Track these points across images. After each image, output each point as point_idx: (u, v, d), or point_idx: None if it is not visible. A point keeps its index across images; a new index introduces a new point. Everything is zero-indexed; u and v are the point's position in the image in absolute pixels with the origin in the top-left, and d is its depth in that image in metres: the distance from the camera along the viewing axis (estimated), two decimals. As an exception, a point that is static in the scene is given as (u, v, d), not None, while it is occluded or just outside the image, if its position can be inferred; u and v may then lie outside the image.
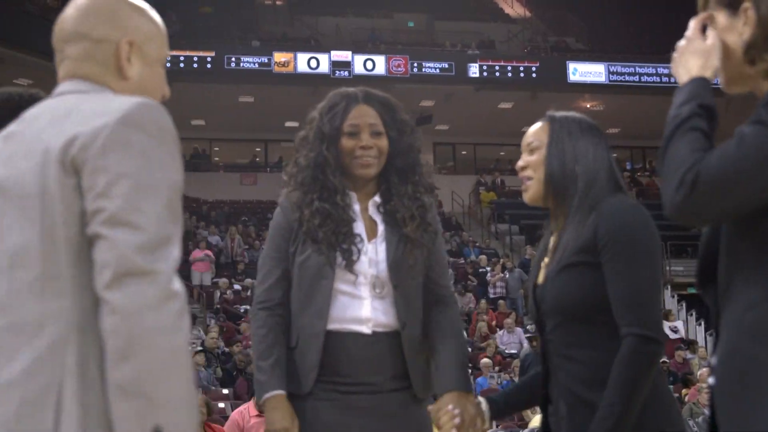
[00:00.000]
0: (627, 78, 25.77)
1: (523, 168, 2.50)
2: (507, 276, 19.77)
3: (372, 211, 2.77)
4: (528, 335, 15.35)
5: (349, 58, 24.80)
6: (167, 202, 1.55)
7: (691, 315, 19.59)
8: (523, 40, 30.03)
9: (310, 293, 2.66)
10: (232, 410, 9.41)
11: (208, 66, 24.20)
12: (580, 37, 31.10)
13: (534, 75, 25.47)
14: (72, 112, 1.60)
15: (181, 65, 24.00)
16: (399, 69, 24.94)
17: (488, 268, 20.53)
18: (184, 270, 19.76)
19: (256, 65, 24.42)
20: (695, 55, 1.76)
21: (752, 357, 1.61)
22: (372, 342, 2.65)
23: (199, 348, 13.65)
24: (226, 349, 14.37)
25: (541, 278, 2.46)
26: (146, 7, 1.83)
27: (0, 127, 1.73)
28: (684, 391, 12.85)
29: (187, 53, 24.17)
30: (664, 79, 25.22)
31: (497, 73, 25.39)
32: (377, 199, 2.78)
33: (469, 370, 14.05)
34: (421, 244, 2.73)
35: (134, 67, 1.76)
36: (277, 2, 32.61)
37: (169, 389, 1.47)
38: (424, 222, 2.75)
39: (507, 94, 25.78)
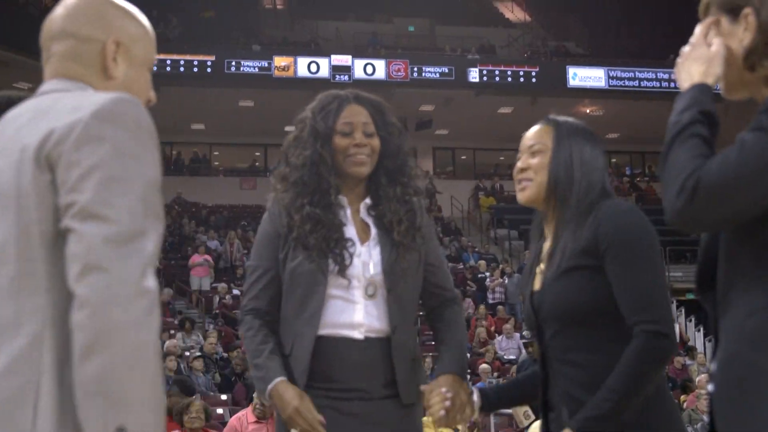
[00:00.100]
0: (627, 83, 25.81)
1: (524, 170, 2.49)
2: (506, 281, 19.77)
3: (363, 213, 2.77)
4: (524, 341, 15.35)
5: (350, 63, 24.84)
6: (141, 196, 1.52)
7: (690, 321, 19.60)
8: (523, 45, 30.07)
9: (304, 300, 2.64)
10: (231, 416, 9.40)
11: (209, 70, 24.24)
12: (580, 41, 31.14)
13: (534, 80, 25.51)
14: (50, 109, 1.60)
15: (182, 69, 24.05)
16: (399, 73, 24.97)
17: (487, 274, 20.53)
18: (183, 275, 19.78)
19: (257, 69, 24.46)
20: (698, 62, 1.76)
21: (751, 363, 1.60)
22: (364, 347, 2.64)
23: (198, 353, 13.63)
24: (225, 355, 14.36)
25: (537, 284, 2.45)
26: (135, 10, 1.83)
27: None
28: (683, 397, 12.84)
29: (188, 57, 24.22)
30: (664, 84, 25.26)
31: (497, 78, 25.43)
32: (368, 201, 2.77)
33: (468, 376, 14.03)
34: (412, 248, 2.73)
35: (120, 67, 1.75)
36: (278, 6, 32.67)
37: (135, 388, 1.44)
38: (412, 226, 2.75)
39: (507, 98, 25.82)
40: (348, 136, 2.71)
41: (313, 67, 24.52)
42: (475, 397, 2.62)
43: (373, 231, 2.74)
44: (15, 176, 1.55)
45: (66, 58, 1.73)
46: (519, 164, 2.51)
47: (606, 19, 32.03)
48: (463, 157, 30.87)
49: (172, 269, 20.37)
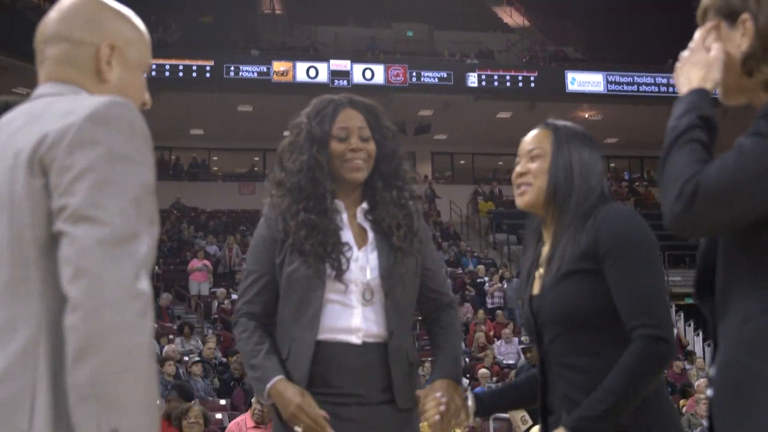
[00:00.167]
0: (625, 87, 25.84)
1: (523, 174, 2.49)
2: (505, 286, 19.76)
3: (360, 218, 2.76)
4: (522, 346, 15.34)
5: (348, 68, 24.86)
6: (134, 199, 1.51)
7: (689, 325, 19.60)
8: (522, 50, 30.10)
9: (301, 305, 2.64)
10: (230, 421, 9.39)
11: (207, 75, 24.25)
12: (579, 46, 31.19)
13: (532, 84, 25.54)
14: (44, 113, 1.59)
15: (180, 74, 24.07)
16: (398, 78, 24.99)
17: (486, 278, 20.53)
18: (182, 280, 19.77)
19: (255, 74, 24.47)
20: (697, 66, 1.76)
21: (749, 369, 1.60)
22: (362, 352, 2.63)
23: (197, 358, 13.62)
24: (224, 360, 14.34)
25: (536, 289, 2.45)
26: (130, 13, 1.81)
27: None
28: (682, 402, 12.83)
29: (186, 62, 24.23)
30: (662, 88, 25.30)
31: (496, 83, 25.45)
32: (365, 206, 2.77)
33: (467, 380, 13.95)
34: (411, 253, 2.73)
35: (114, 70, 1.74)
36: (277, 12, 32.71)
37: (128, 391, 1.43)
38: (410, 230, 2.74)
39: (505, 103, 25.85)
40: (344, 141, 2.70)
41: (312, 72, 24.53)
42: (470, 401, 2.62)
43: (371, 235, 2.73)
44: (8, 181, 1.55)
45: (60, 62, 1.72)
46: (518, 169, 2.50)
47: (604, 24, 32.07)
48: (462, 162, 30.87)
49: (170, 274, 20.37)
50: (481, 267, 21.48)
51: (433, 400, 2.59)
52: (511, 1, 34.48)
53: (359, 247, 2.71)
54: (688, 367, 16.08)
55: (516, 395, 2.67)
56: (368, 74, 24.89)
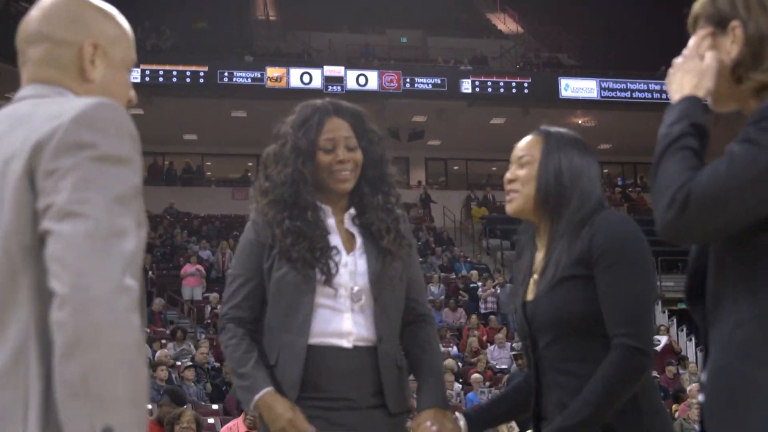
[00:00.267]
0: (619, 94, 25.90)
1: (512, 181, 2.50)
2: (498, 291, 19.76)
3: (348, 223, 2.75)
4: (513, 353, 15.33)
5: (342, 74, 24.87)
6: (120, 197, 1.49)
7: (682, 330, 19.61)
8: (516, 56, 30.14)
9: (290, 310, 2.63)
10: (222, 426, 9.38)
11: (201, 81, 24.24)
12: (572, 53, 31.24)
13: (526, 91, 25.57)
14: (31, 117, 1.57)
15: (174, 80, 24.06)
16: (392, 84, 25.01)
17: (479, 283, 20.53)
18: (175, 284, 19.73)
19: (249, 80, 24.46)
20: (690, 74, 1.77)
21: (741, 374, 1.61)
22: (353, 356, 2.63)
23: (189, 363, 13.59)
24: (217, 364, 14.31)
25: (530, 295, 2.45)
26: (113, 10, 1.79)
27: None
28: (674, 406, 12.84)
29: (180, 68, 24.22)
30: (656, 95, 25.35)
31: (489, 89, 25.48)
32: (352, 211, 2.76)
33: (460, 386, 13.91)
34: (399, 257, 2.72)
35: (98, 69, 1.72)
36: (271, 18, 32.71)
37: (120, 387, 1.42)
38: (399, 234, 2.74)
39: (499, 109, 25.87)
40: (331, 152, 2.68)
41: (306, 78, 24.53)
42: (461, 422, 2.61)
43: (359, 240, 2.73)
44: None
45: (42, 63, 1.70)
46: (507, 175, 2.51)
47: (598, 30, 32.14)
48: (456, 168, 30.89)
49: (163, 279, 20.32)
50: (474, 272, 21.48)
51: (425, 429, 2.58)
52: (505, 8, 34.52)
53: (348, 251, 2.70)
54: (680, 371, 16.09)
55: (505, 407, 2.68)
56: (362, 80, 24.91)
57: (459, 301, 19.65)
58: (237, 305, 2.70)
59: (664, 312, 20.31)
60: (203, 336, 16.53)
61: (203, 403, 12.54)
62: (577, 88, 25.81)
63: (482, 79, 25.58)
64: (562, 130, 2.53)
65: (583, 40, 31.55)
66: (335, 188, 2.71)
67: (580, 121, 26.49)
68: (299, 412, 2.55)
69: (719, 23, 1.77)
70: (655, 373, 14.80)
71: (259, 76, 24.49)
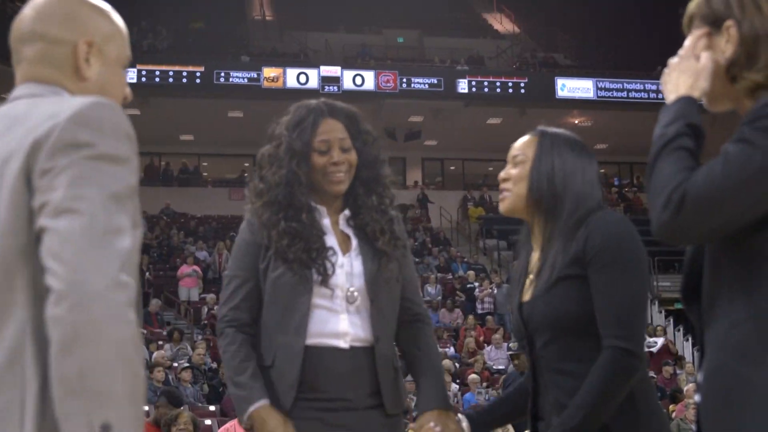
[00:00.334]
0: (615, 94, 25.92)
1: (505, 180, 2.50)
2: (495, 291, 19.77)
3: (343, 224, 2.75)
4: (510, 353, 15.34)
5: (339, 74, 24.87)
6: (115, 195, 1.48)
7: (679, 330, 19.64)
8: (512, 56, 30.16)
9: (287, 311, 2.62)
10: (219, 427, 9.37)
11: (198, 81, 24.23)
12: (569, 53, 31.27)
13: (522, 91, 25.59)
14: (26, 117, 1.56)
15: (171, 80, 24.05)
16: (388, 84, 25.02)
17: (476, 284, 20.54)
18: (172, 285, 19.72)
19: (246, 80, 24.46)
20: (686, 74, 1.77)
21: (737, 374, 1.61)
22: (349, 357, 2.62)
23: (186, 364, 13.58)
24: (214, 365, 14.30)
25: (527, 296, 2.45)
26: (107, 7, 1.78)
27: None
28: (671, 406, 12.86)
29: (177, 68, 24.22)
30: (652, 95, 25.38)
31: (486, 89, 25.50)
32: (347, 212, 2.76)
33: (457, 386, 13.91)
34: (394, 258, 2.72)
35: (93, 68, 1.71)
36: (267, 18, 32.69)
37: (118, 383, 1.41)
38: (394, 235, 2.74)
39: (496, 109, 25.89)
40: (325, 154, 2.68)
41: (303, 78, 24.53)
42: (464, 424, 2.61)
43: (354, 241, 2.73)
44: None
45: (37, 62, 1.69)
46: (501, 174, 2.52)
47: (594, 30, 32.17)
48: (452, 168, 30.90)
49: (160, 280, 20.30)
50: (471, 272, 21.49)
51: (428, 430, 2.58)
52: (501, 8, 34.55)
53: (343, 252, 2.70)
54: (678, 372, 16.11)
55: (507, 409, 2.67)
56: (359, 80, 24.91)
57: (456, 302, 19.66)
58: (236, 306, 2.68)
59: (660, 312, 20.34)
60: (200, 337, 16.51)
61: (200, 405, 12.52)
62: (573, 88, 25.83)
63: (479, 79, 25.60)
64: (560, 130, 2.53)
65: (579, 40, 31.58)
66: (329, 190, 2.70)
67: (576, 121, 26.52)
68: (291, 427, 2.54)
69: (714, 23, 1.77)
70: (652, 374, 14.83)
71: (255, 76, 24.48)
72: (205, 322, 17.61)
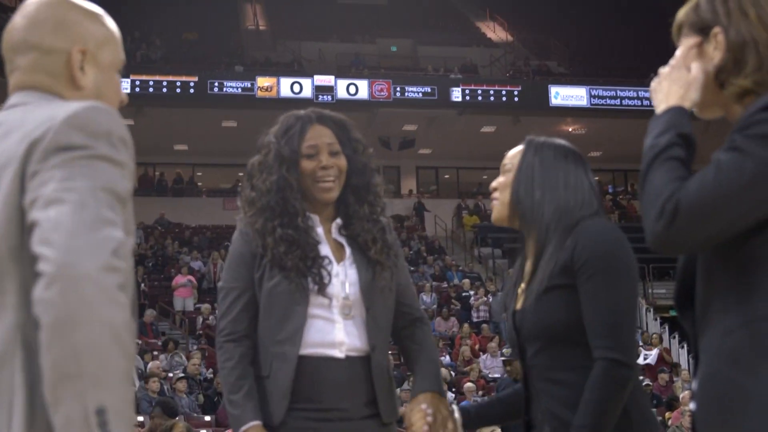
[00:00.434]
0: (608, 101, 25.98)
1: (494, 189, 2.52)
2: (490, 300, 19.77)
3: (335, 233, 2.75)
4: (503, 359, 15.33)
5: (332, 83, 24.90)
6: (107, 189, 1.46)
7: (674, 338, 19.64)
8: (505, 65, 30.22)
9: (283, 320, 2.61)
10: (215, 437, 9.35)
11: (191, 91, 24.24)
12: (562, 61, 31.34)
13: (516, 99, 25.64)
14: (22, 123, 1.55)
15: (164, 90, 24.05)
16: (382, 93, 25.05)
17: (471, 292, 20.54)
18: (166, 296, 19.69)
19: (239, 90, 24.47)
20: (676, 84, 1.77)
21: (731, 381, 1.61)
22: (345, 366, 2.62)
23: (181, 374, 13.55)
24: (209, 376, 14.28)
25: (519, 304, 2.46)
26: (99, 11, 1.76)
27: None
28: (667, 414, 12.86)
29: (170, 78, 24.23)
30: (646, 102, 25.43)
31: (480, 97, 25.54)
32: (339, 221, 2.76)
33: (453, 395, 13.90)
34: (388, 267, 2.72)
35: (88, 75, 1.69)
36: (261, 27, 32.73)
37: (111, 367, 1.38)
38: (386, 244, 2.74)
39: (489, 117, 25.93)
40: (313, 158, 2.68)
41: (296, 88, 24.55)
42: (457, 414, 2.62)
43: (347, 250, 2.73)
44: None
45: (31, 71, 1.67)
46: (492, 183, 2.54)
47: (587, 38, 32.26)
48: (447, 176, 30.93)
49: (155, 290, 20.28)
50: (466, 281, 21.49)
51: (420, 412, 2.58)
52: (494, 17, 34.62)
53: (338, 261, 2.70)
54: (674, 379, 16.11)
55: (503, 408, 2.68)
56: (352, 89, 24.94)
57: (451, 310, 19.66)
58: (234, 319, 2.67)
59: (656, 320, 20.35)
60: (195, 347, 16.49)
61: (195, 415, 12.51)
62: (567, 95, 25.89)
63: (472, 87, 25.65)
64: (548, 139, 2.52)
65: (572, 48, 31.66)
66: (320, 197, 2.70)
67: (570, 129, 26.57)
68: None
69: (702, 30, 1.79)
70: (647, 381, 14.84)
71: (249, 85, 24.50)
72: (200, 332, 17.58)
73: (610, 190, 30.49)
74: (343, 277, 2.68)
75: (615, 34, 31.90)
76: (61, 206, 1.42)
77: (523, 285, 2.47)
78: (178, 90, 24.16)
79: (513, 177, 2.46)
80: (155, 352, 15.35)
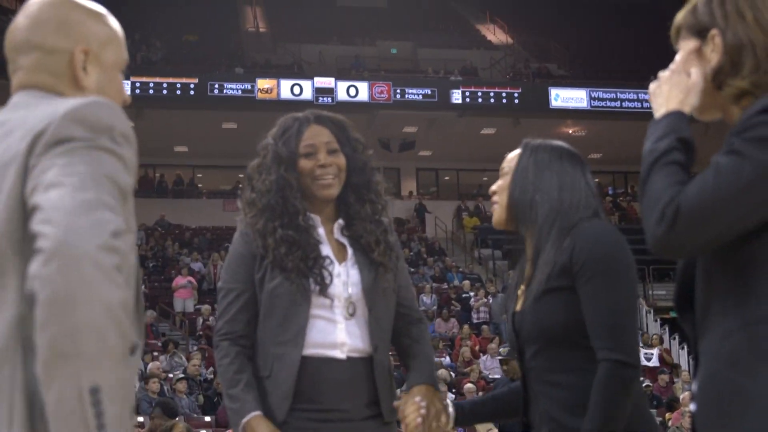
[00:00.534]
0: (608, 103, 25.98)
1: (494, 192, 2.53)
2: (490, 301, 19.77)
3: (337, 234, 2.75)
4: (500, 358, 15.33)
5: (333, 85, 24.91)
6: (108, 176, 1.45)
7: (674, 339, 19.64)
8: (506, 67, 30.22)
9: (285, 321, 2.62)
10: (215, 438, 9.36)
11: (192, 93, 24.24)
12: (562, 63, 31.34)
13: (516, 101, 25.64)
14: (24, 121, 1.55)
15: (165, 92, 24.05)
16: (382, 95, 25.05)
17: (471, 293, 20.54)
18: (167, 297, 19.70)
19: (240, 92, 24.48)
20: (676, 89, 1.78)
21: (731, 382, 1.62)
22: (346, 367, 2.62)
23: (181, 375, 13.55)
24: (209, 376, 14.28)
25: (519, 306, 2.46)
26: (101, 10, 1.75)
27: None
28: (668, 415, 12.86)
29: (171, 80, 24.22)
30: (646, 104, 25.39)
31: (480, 99, 25.54)
32: (341, 222, 2.76)
33: (453, 396, 13.90)
34: (390, 268, 2.73)
35: (91, 76, 1.69)
36: (261, 29, 32.73)
37: (108, 345, 1.36)
38: (389, 246, 2.75)
39: (489, 119, 25.93)
40: (312, 157, 2.69)
41: (297, 90, 24.56)
42: (450, 409, 2.62)
43: (349, 251, 2.73)
44: None
45: (34, 70, 1.67)
46: (492, 186, 2.54)
47: (587, 40, 32.26)
48: (447, 178, 30.93)
49: (155, 291, 20.29)
50: (466, 282, 21.49)
51: (413, 404, 2.59)
52: (495, 19, 34.63)
53: (339, 262, 2.70)
54: (674, 380, 16.11)
55: (497, 406, 2.69)
56: (353, 91, 24.95)
57: (451, 311, 19.66)
58: (231, 320, 2.67)
59: (656, 321, 20.35)
60: (195, 348, 16.49)
61: (195, 416, 12.51)
62: (567, 98, 25.89)
63: (472, 89, 25.65)
64: (545, 141, 2.52)
65: (572, 50, 31.66)
66: (320, 195, 2.70)
67: (570, 131, 26.57)
68: None
69: (700, 33, 1.80)
70: (647, 382, 14.84)
71: (249, 87, 24.51)
72: (200, 333, 17.59)
73: (611, 192, 30.48)
74: (345, 278, 2.68)
75: (615, 36, 31.90)
76: (61, 189, 1.41)
77: (522, 287, 2.47)
78: (179, 92, 24.17)
79: (511, 178, 2.47)
80: (155, 353, 15.35)
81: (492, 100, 25.61)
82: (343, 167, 2.72)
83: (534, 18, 33.15)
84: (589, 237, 2.32)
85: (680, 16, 1.86)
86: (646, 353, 17.15)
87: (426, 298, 19.78)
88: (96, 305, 1.36)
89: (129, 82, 22.94)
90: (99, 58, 1.71)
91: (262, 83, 24.57)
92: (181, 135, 26.09)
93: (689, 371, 16.39)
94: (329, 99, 24.14)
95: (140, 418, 10.20)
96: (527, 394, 2.45)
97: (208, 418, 12.50)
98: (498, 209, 2.51)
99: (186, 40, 29.46)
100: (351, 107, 22.89)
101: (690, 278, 1.79)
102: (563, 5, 33.07)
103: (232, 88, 24.48)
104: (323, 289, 2.63)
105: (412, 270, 20.84)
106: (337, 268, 2.68)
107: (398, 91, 25.18)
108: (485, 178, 29.05)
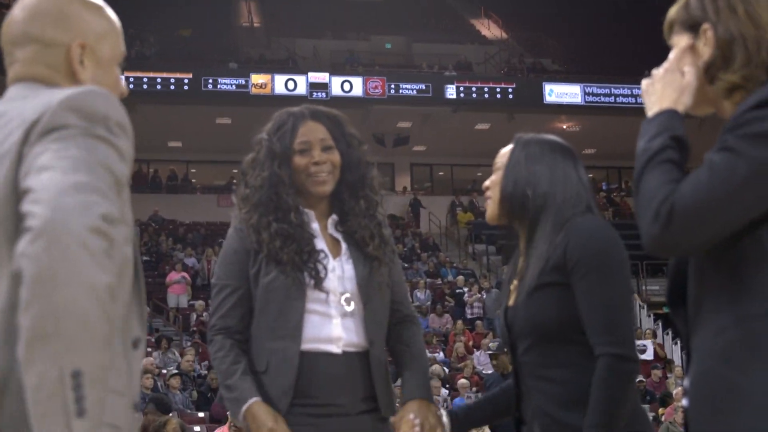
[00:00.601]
0: (603, 99, 26.02)
1: (487, 188, 2.53)
2: (484, 296, 19.79)
3: (331, 229, 2.75)
4: (489, 352, 15.32)
5: (327, 80, 24.89)
6: (101, 163, 1.44)
7: (668, 334, 19.69)
8: (500, 62, 30.23)
9: (280, 315, 2.61)
10: (209, 433, 9.36)
11: (186, 88, 24.21)
12: (556, 58, 31.37)
13: (510, 96, 25.66)
14: (21, 112, 1.54)
15: (158, 87, 24.03)
16: (376, 90, 25.04)
17: (465, 289, 20.56)
18: (160, 292, 19.67)
19: (234, 87, 24.45)
20: (670, 87, 1.78)
21: (723, 379, 1.62)
22: (342, 362, 2.62)
23: (175, 371, 13.54)
24: (203, 372, 14.28)
25: (511, 300, 2.46)
26: (99, 3, 1.75)
27: None
28: (661, 410, 12.90)
29: (165, 75, 24.19)
30: (640, 100, 25.02)
31: (474, 95, 25.55)
32: (335, 217, 2.76)
33: (447, 391, 13.89)
34: (385, 262, 2.73)
35: (87, 70, 1.69)
36: (255, 24, 32.69)
37: (92, 328, 1.33)
38: (383, 240, 2.74)
39: (484, 115, 25.95)
40: (306, 154, 2.68)
41: (291, 85, 24.54)
42: (445, 419, 2.62)
43: (344, 246, 2.73)
44: None
45: (31, 63, 1.67)
46: (485, 182, 2.54)
47: (582, 36, 32.27)
48: (441, 173, 30.94)
49: (148, 287, 20.17)
50: (460, 277, 21.50)
51: (407, 422, 2.58)
52: (489, 14, 34.64)
53: (334, 256, 2.70)
54: (667, 375, 16.15)
55: (492, 408, 2.68)
56: (347, 86, 24.94)
57: (445, 307, 19.67)
58: (225, 315, 2.67)
59: (649, 316, 20.39)
60: (189, 344, 16.48)
61: (189, 411, 12.50)
62: (561, 93, 25.91)
63: (467, 84, 25.66)
64: (537, 136, 2.52)
65: (566, 46, 31.68)
66: (314, 191, 2.70)
67: (564, 126, 26.59)
68: (282, 422, 2.53)
69: (692, 27, 1.80)
70: (641, 377, 14.87)
71: (243, 82, 24.48)
72: (194, 328, 17.58)
73: (604, 188, 30.53)
74: (340, 272, 2.68)
75: (609, 31, 31.92)
76: (53, 171, 1.40)
77: (515, 281, 2.47)
78: (173, 87, 24.14)
79: (503, 173, 2.47)
80: (149, 349, 15.33)
81: (486, 96, 25.63)
82: (338, 164, 2.71)
83: (528, 13, 33.16)
84: (582, 233, 2.32)
85: (673, 11, 1.86)
86: (640, 345, 17.17)
87: (420, 294, 19.80)
88: (80, 287, 1.34)
89: (123, 77, 22.86)
90: (96, 52, 1.70)
91: (256, 78, 24.55)
92: (175, 130, 26.06)
93: (682, 366, 16.44)
94: (323, 94, 24.13)
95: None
96: (519, 389, 2.44)
97: (201, 414, 12.49)
98: (491, 204, 2.50)
99: (180, 35, 29.40)
100: (345, 102, 22.87)
101: (682, 274, 1.79)
102: (558, 0, 33.08)
103: (226, 83, 24.45)
104: (318, 283, 2.62)
105: (406, 265, 20.86)
106: (332, 263, 2.68)
107: (392, 86, 25.18)
108: (479, 174, 29.08)
